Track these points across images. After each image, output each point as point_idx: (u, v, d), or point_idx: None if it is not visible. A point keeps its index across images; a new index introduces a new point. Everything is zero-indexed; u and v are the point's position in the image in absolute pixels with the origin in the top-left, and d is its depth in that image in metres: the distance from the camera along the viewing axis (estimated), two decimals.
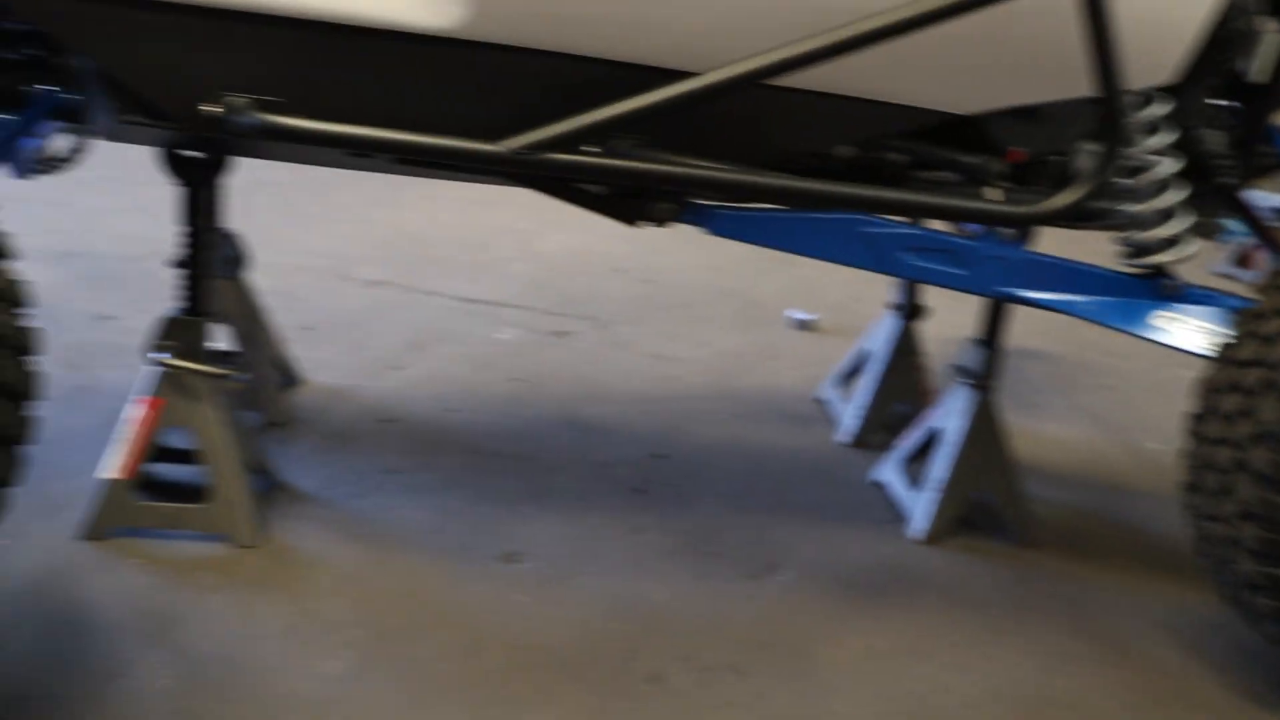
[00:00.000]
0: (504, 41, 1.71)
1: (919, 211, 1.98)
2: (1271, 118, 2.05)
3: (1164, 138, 1.91)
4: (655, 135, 1.78)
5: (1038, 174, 2.05)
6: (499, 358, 3.13)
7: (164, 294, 3.08)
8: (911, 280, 2.55)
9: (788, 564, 2.22)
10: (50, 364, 2.68)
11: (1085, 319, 2.01)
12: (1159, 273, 1.99)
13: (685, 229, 2.03)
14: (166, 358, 2.02)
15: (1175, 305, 1.98)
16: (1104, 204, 1.95)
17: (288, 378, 2.75)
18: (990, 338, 2.39)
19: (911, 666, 1.93)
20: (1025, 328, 3.09)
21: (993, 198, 1.96)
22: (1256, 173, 2.09)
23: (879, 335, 2.87)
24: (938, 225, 2.14)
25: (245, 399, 2.54)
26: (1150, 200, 1.94)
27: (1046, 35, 1.75)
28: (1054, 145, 2.03)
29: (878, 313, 2.96)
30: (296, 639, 1.84)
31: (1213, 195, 2.03)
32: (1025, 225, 2.16)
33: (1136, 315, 1.99)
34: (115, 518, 2.05)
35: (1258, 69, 1.98)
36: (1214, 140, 2.02)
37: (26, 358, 1.49)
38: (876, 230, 1.96)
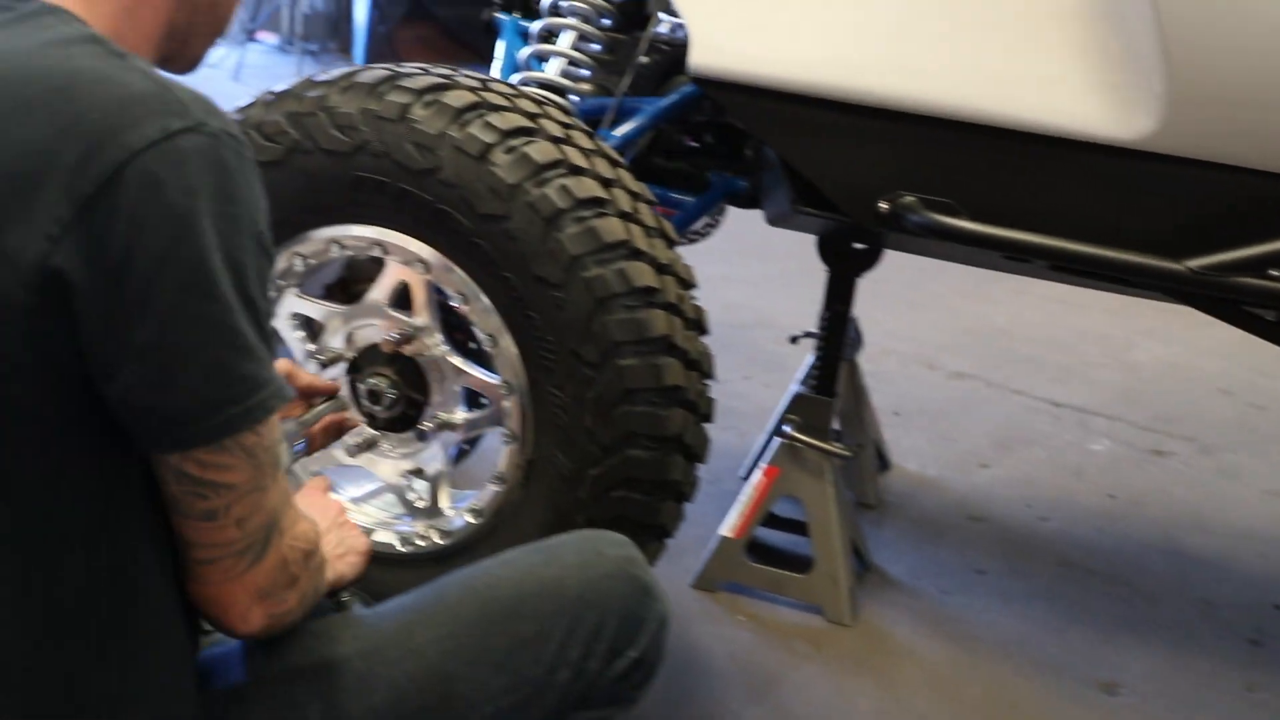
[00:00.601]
0: (1191, 155, 1.64)
1: None
2: None
3: None
4: None
5: None
6: (1090, 469, 2.99)
7: (768, 363, 3.27)
8: None
9: None
10: None
11: None
12: None
13: None
14: (792, 431, 2.13)
15: None
16: None
17: (882, 461, 2.81)
18: None
19: None
20: None
21: None
22: None
23: None
24: None
25: (843, 478, 2.63)
26: None
27: None
28: None
29: None
30: None
31: None
32: None
33: None
34: (725, 573, 2.20)
35: None
36: None
37: (704, 424, 1.63)
38: None
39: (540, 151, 1.49)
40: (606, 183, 1.54)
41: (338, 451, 1.65)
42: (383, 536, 1.66)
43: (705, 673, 1.96)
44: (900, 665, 2.03)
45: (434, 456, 1.66)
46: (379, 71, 1.56)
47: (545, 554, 1.15)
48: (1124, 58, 1.63)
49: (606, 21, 1.99)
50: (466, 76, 1.58)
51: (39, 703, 0.89)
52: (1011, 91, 1.69)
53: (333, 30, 8.28)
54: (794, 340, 2.57)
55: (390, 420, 1.64)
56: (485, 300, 1.53)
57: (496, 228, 1.48)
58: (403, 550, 1.66)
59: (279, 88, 1.61)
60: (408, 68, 1.58)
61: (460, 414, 1.63)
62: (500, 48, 2.18)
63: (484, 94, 1.54)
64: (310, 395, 1.37)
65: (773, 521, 2.32)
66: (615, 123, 2.01)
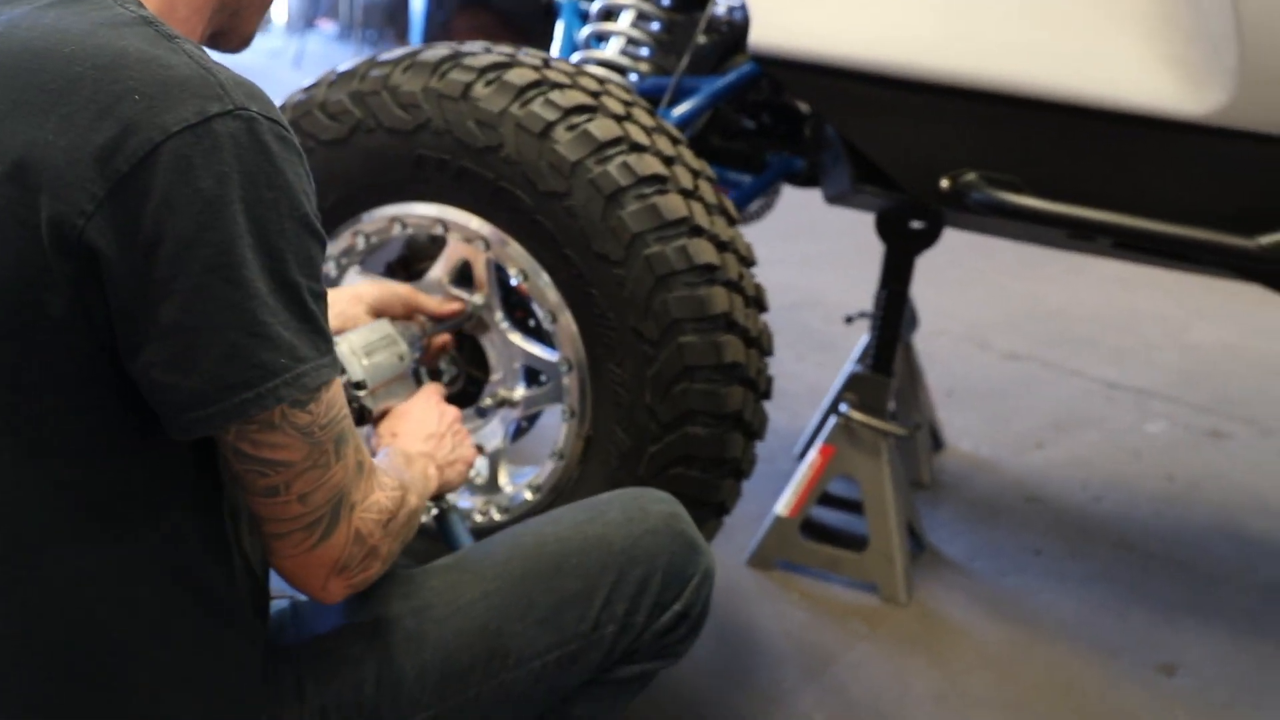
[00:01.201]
0: (1263, 131, 1.61)
1: None
2: None
3: None
4: None
5: None
6: (1148, 450, 2.96)
7: (818, 343, 3.27)
8: None
9: None
10: None
11: None
12: None
13: None
14: (849, 410, 2.13)
15: None
16: None
17: (936, 441, 2.79)
18: None
19: None
20: None
21: None
22: None
23: None
24: None
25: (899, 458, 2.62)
26: None
27: None
28: None
29: None
30: (945, 707, 1.85)
31: None
32: None
33: None
34: (780, 551, 2.20)
35: None
36: None
37: (762, 402, 1.63)
38: None
39: (602, 129, 1.49)
40: (668, 160, 1.53)
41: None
42: None
43: (761, 650, 1.96)
44: (956, 646, 2.03)
45: (493, 433, 1.68)
46: (441, 50, 1.57)
47: (591, 511, 1.17)
48: (1195, 32, 1.60)
49: (665, 1, 1.98)
50: (529, 55, 1.58)
51: (89, 680, 0.90)
52: (1078, 67, 1.66)
53: (391, 18, 8.32)
54: (849, 320, 2.57)
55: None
56: (545, 277, 1.53)
57: (557, 205, 1.48)
58: None
59: (343, 67, 1.62)
60: (470, 46, 1.58)
61: (520, 391, 1.64)
62: (559, 29, 2.18)
63: (546, 72, 1.54)
64: (440, 319, 1.52)
65: (828, 500, 2.32)
66: (673, 102, 2.00)
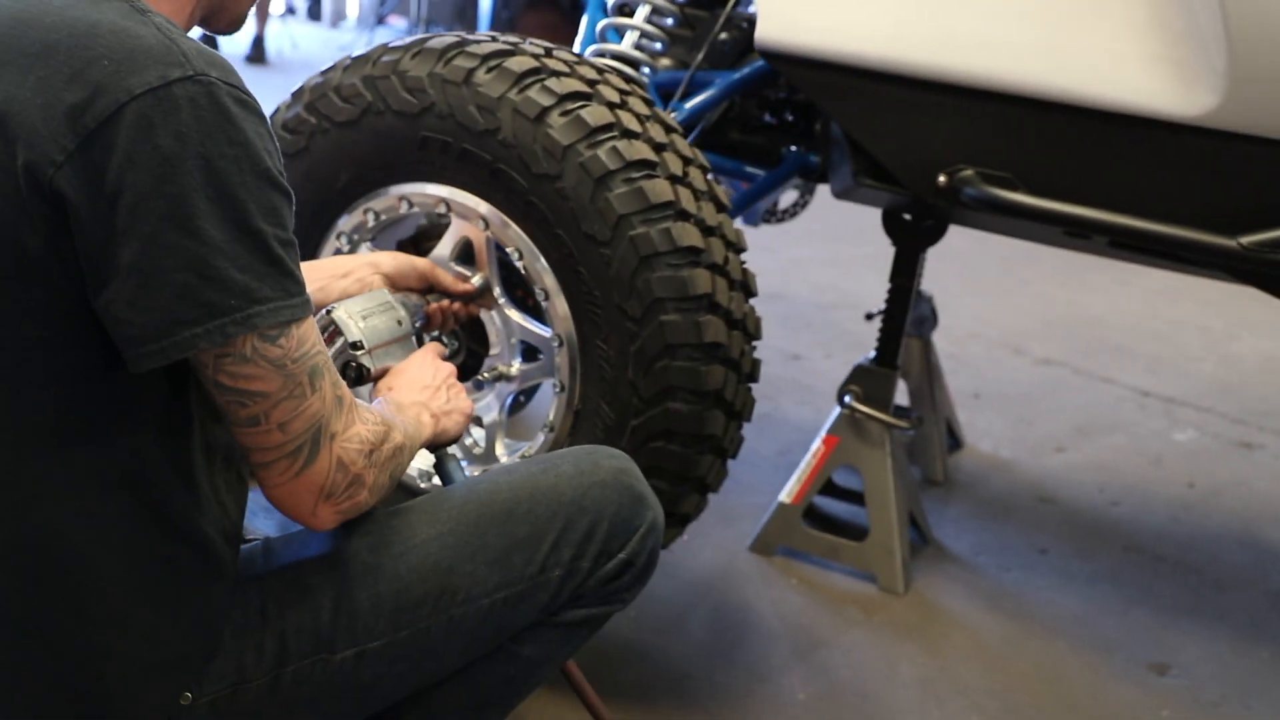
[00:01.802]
0: (1253, 132, 1.63)
1: None
2: None
3: None
4: None
5: None
6: (1172, 458, 2.95)
7: (849, 342, 3.30)
8: None
9: None
10: None
11: None
12: None
13: None
14: (851, 401, 2.17)
15: None
16: None
17: (953, 440, 2.81)
18: None
19: None
20: None
21: None
22: None
23: None
24: None
25: (911, 453, 2.65)
26: None
27: None
28: None
29: None
30: (929, 692, 1.88)
31: None
32: None
33: None
34: (782, 538, 2.24)
35: None
36: None
37: (749, 385, 1.68)
38: None
39: (594, 115, 1.55)
40: (658, 147, 1.59)
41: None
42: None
43: (753, 630, 2.01)
44: (949, 635, 2.06)
45: (490, 406, 1.75)
46: (449, 39, 1.64)
47: (545, 464, 1.24)
48: (1186, 34, 1.63)
49: None
50: (532, 45, 1.65)
51: (52, 587, 0.99)
52: (1073, 67, 1.69)
53: (459, 14, 8.47)
54: (869, 317, 2.60)
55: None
56: (540, 256, 1.60)
57: (550, 187, 1.55)
58: None
59: (357, 53, 1.70)
60: (477, 36, 1.66)
61: (516, 366, 1.71)
62: (584, 22, 2.26)
63: (545, 61, 1.61)
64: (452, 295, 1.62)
65: (835, 492, 2.36)
66: (688, 95, 2.06)
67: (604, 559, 1.21)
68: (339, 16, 10.95)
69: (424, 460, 1.69)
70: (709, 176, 1.67)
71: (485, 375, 1.72)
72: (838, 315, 3.79)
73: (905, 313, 2.18)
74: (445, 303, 1.63)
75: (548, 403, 1.71)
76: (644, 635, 1.95)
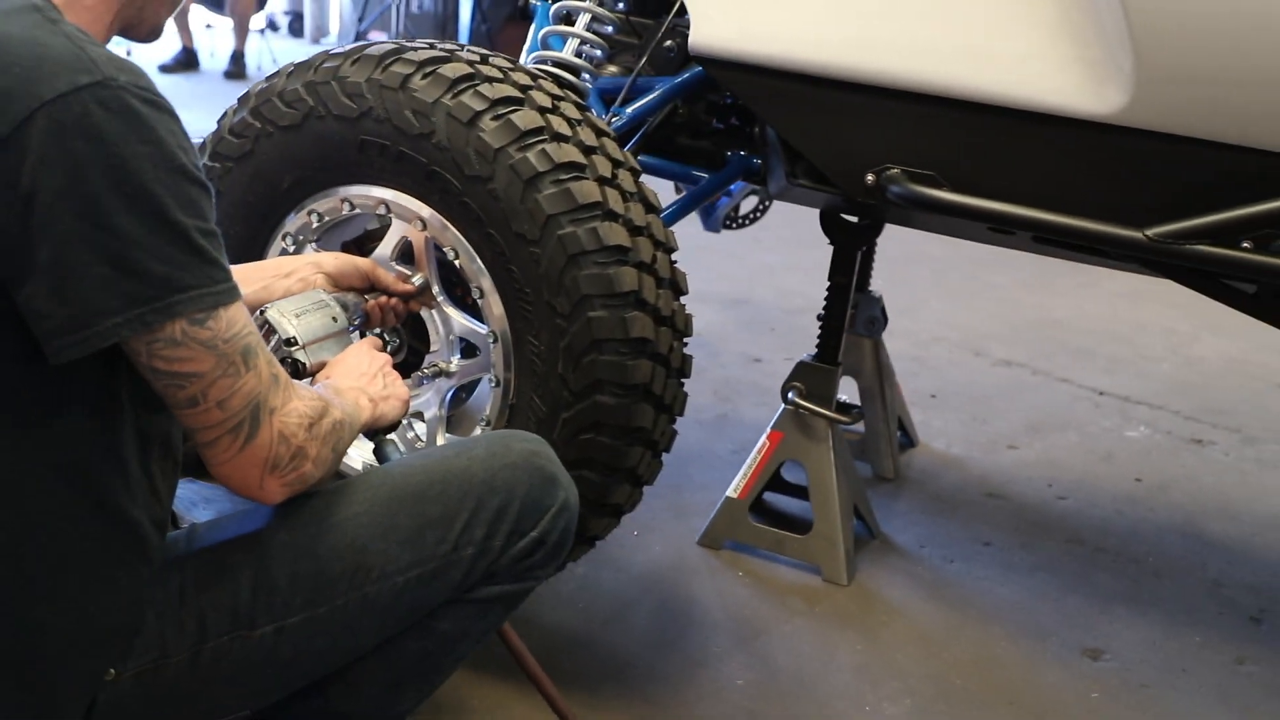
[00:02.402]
0: (1161, 129, 1.69)
1: None
2: None
3: None
4: None
5: None
6: (1122, 454, 3.01)
7: (811, 346, 3.35)
8: None
9: None
10: (703, 394, 3.07)
11: None
12: None
13: None
14: (793, 397, 2.23)
15: None
16: None
17: (906, 438, 2.87)
18: None
19: None
20: None
21: None
22: None
23: None
24: None
25: (861, 450, 2.71)
26: None
27: None
28: None
29: None
30: (865, 676, 1.94)
31: None
32: None
33: None
34: (729, 532, 2.30)
35: None
36: None
37: (680, 379, 1.74)
38: None
39: (524, 119, 1.62)
40: (588, 150, 1.65)
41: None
42: None
43: (697, 621, 2.07)
44: (889, 623, 2.12)
45: (431, 401, 1.81)
46: (387, 46, 1.71)
47: (460, 448, 1.30)
48: (1095, 36, 1.69)
49: (621, 5, 2.11)
50: (468, 52, 1.72)
51: None
52: (990, 68, 1.76)
53: (440, 30, 8.55)
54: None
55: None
56: (475, 256, 1.66)
57: (482, 188, 1.61)
58: None
59: (300, 60, 1.77)
60: (415, 43, 1.72)
61: (455, 362, 1.77)
62: (531, 30, 2.32)
63: (479, 67, 1.67)
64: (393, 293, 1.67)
65: (784, 487, 2.41)
66: (629, 100, 2.12)
67: (516, 537, 1.27)
68: (321, 32, 11.04)
69: (365, 450, 1.75)
70: (639, 179, 1.73)
71: (426, 371, 1.77)
72: (801, 320, 3.83)
73: (845, 310, 2.24)
74: (384, 300, 1.69)
75: (485, 397, 1.77)
76: (589, 626, 2.01)
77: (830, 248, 2.26)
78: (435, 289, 1.75)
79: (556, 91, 1.72)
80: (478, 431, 1.75)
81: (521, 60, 2.08)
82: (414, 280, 1.73)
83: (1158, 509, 2.71)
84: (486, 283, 1.67)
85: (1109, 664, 2.05)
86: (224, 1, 7.96)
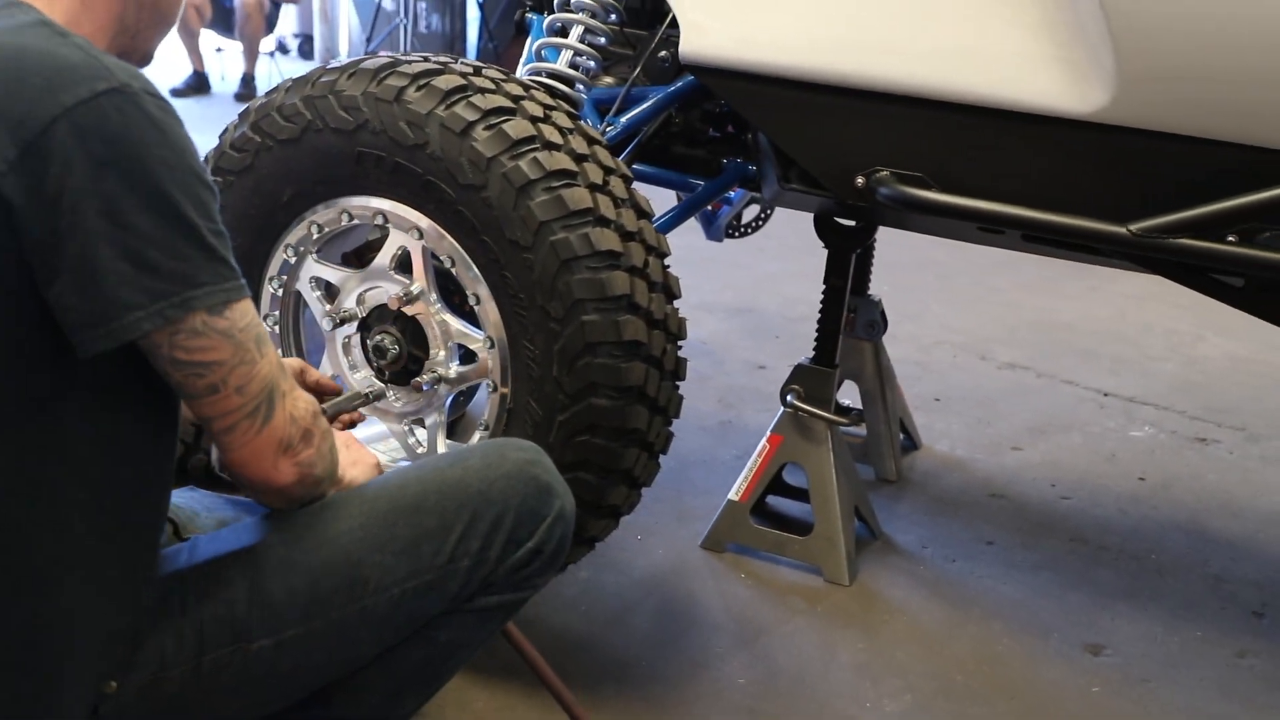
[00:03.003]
0: (1144, 126, 1.72)
1: None
2: None
3: None
4: None
5: None
6: (1126, 454, 3.02)
7: (805, 353, 3.37)
8: None
9: None
10: (707, 400, 3.10)
11: None
12: None
13: None
14: (792, 399, 2.25)
15: None
16: None
17: (909, 441, 2.89)
18: None
19: None
20: None
21: None
22: None
23: None
24: None
25: (864, 453, 2.73)
26: None
27: None
28: None
29: None
30: (865, 674, 1.96)
31: None
32: None
33: None
34: (731, 535, 2.32)
35: None
36: None
37: (674, 382, 1.77)
38: None
39: (516, 129, 1.65)
40: (579, 158, 1.69)
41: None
42: None
43: (698, 622, 2.09)
44: (890, 622, 2.13)
45: (431, 407, 1.84)
46: (382, 60, 1.74)
47: (455, 458, 1.32)
48: (1077, 37, 1.72)
49: (614, 17, 2.14)
50: (461, 64, 1.75)
51: None
52: (972, 68, 1.78)
53: (448, 49, 8.62)
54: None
55: (394, 374, 1.82)
56: (471, 264, 1.69)
57: (476, 196, 1.64)
58: None
59: (298, 76, 1.80)
60: (409, 57, 1.76)
61: (454, 368, 1.80)
62: (528, 43, 2.36)
63: (472, 79, 1.71)
64: (319, 391, 1.56)
65: (786, 490, 2.43)
66: (623, 109, 2.16)
67: (512, 547, 1.29)
68: (330, 54, 11.12)
69: (391, 446, 1.79)
70: (630, 186, 1.76)
71: (425, 378, 1.80)
72: (805, 326, 3.82)
73: (840, 312, 2.26)
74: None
75: (484, 403, 1.80)
76: (591, 627, 2.03)
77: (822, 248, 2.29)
78: (433, 297, 1.78)
79: (549, 101, 1.75)
80: (478, 436, 1.77)
81: (518, 73, 2.11)
82: (348, 388, 1.74)
83: (1161, 507, 2.72)
84: (482, 289, 1.70)
85: (1110, 659, 2.06)
86: (234, 25, 8.04)
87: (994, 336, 3.98)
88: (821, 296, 2.29)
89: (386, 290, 1.81)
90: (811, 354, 2.32)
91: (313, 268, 1.86)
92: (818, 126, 1.91)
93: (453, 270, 1.72)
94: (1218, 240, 1.70)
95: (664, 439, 1.78)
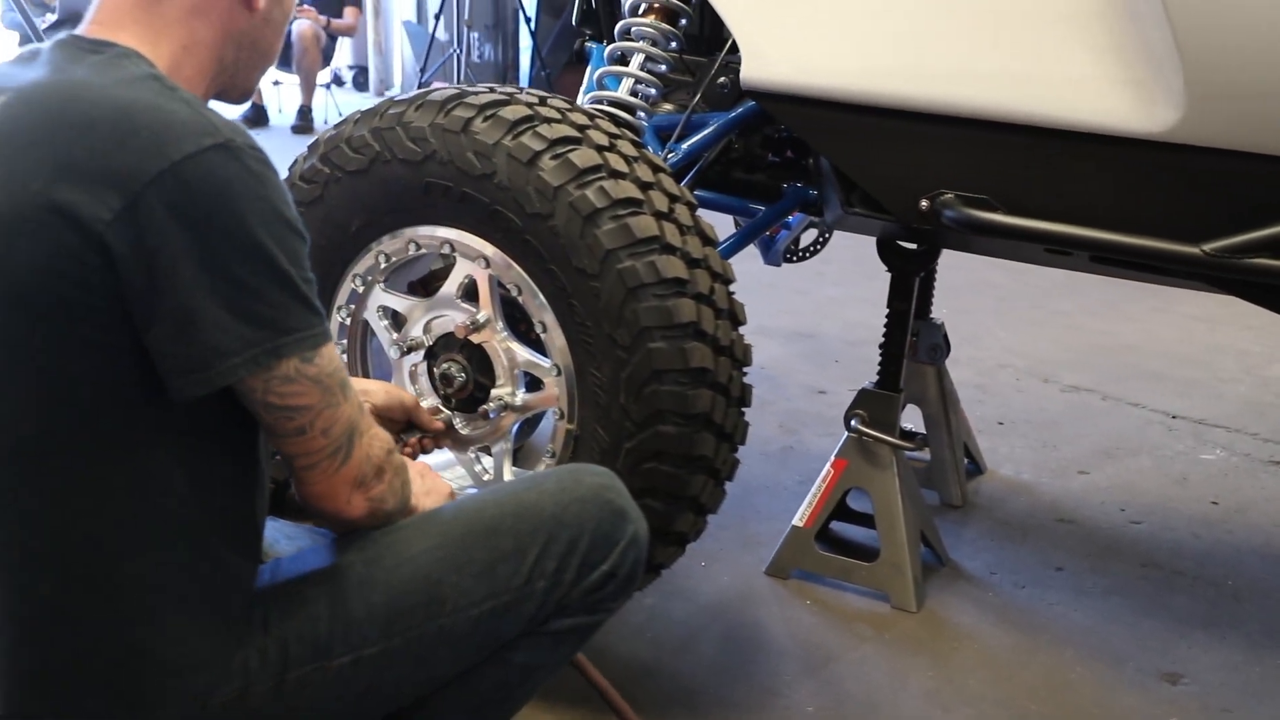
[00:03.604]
0: (1214, 145, 1.69)
1: None
2: None
3: None
4: None
5: None
6: (1198, 477, 2.97)
7: (867, 378, 3.35)
8: None
9: None
10: (769, 426, 3.09)
11: None
12: None
13: None
14: (856, 424, 2.24)
15: None
16: None
17: (974, 465, 2.86)
18: None
19: None
20: None
21: None
22: None
23: None
24: None
25: (928, 478, 2.70)
26: None
27: None
28: None
29: None
30: (935, 702, 1.93)
31: None
32: None
33: None
34: (796, 561, 2.31)
35: None
36: None
37: (740, 408, 1.76)
38: None
39: (582, 158, 1.66)
40: (645, 186, 1.69)
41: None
42: None
43: (765, 649, 2.08)
44: (959, 649, 2.11)
45: (498, 434, 1.85)
46: (449, 91, 1.77)
47: (530, 482, 1.33)
48: (1143, 55, 1.70)
49: (674, 44, 2.16)
50: (527, 94, 1.77)
51: (84, 581, 1.10)
52: (1041, 91, 1.77)
53: (501, 78, 8.71)
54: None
55: (460, 401, 1.84)
56: (537, 292, 1.71)
57: (543, 225, 1.66)
58: None
59: (366, 108, 1.83)
60: (476, 88, 1.78)
61: (520, 396, 1.81)
62: (588, 71, 2.38)
63: (538, 109, 1.72)
64: (414, 428, 1.66)
65: (851, 516, 2.42)
66: (684, 136, 2.17)
67: (587, 570, 1.29)
68: (385, 85, 11.29)
69: (457, 475, 1.81)
70: (695, 213, 1.76)
71: (491, 406, 1.82)
72: (865, 350, 3.83)
73: (904, 336, 2.25)
74: (415, 440, 1.68)
75: (550, 430, 1.81)
76: (659, 655, 2.02)
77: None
78: (500, 325, 1.79)
79: (613, 130, 1.77)
80: (544, 464, 1.78)
81: (579, 101, 2.13)
82: (440, 418, 1.77)
83: (1236, 531, 2.67)
84: (549, 317, 1.71)
85: (1188, 688, 2.02)
86: (291, 58, 8.19)
87: (1056, 359, 3.93)
88: (884, 321, 2.28)
89: (453, 319, 1.82)
90: (875, 378, 2.31)
91: (380, 296, 1.88)
92: (881, 150, 1.91)
93: (519, 298, 1.73)
94: None
95: (730, 465, 1.78)
